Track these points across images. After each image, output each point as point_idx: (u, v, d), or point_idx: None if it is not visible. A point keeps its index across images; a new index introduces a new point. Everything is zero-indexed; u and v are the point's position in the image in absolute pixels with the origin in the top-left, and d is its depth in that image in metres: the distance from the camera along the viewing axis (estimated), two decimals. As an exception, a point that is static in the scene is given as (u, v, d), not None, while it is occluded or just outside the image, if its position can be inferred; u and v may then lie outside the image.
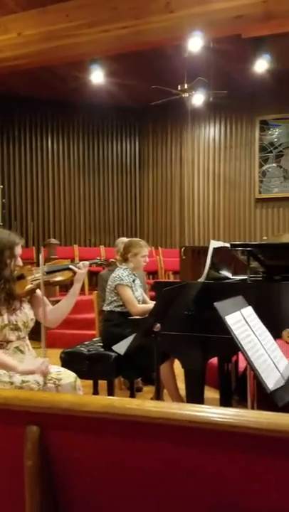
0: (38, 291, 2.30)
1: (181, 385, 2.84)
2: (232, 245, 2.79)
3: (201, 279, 2.73)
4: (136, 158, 8.84)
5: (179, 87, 6.51)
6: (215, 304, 1.73)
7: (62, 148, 8.39)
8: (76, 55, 4.93)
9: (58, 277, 2.34)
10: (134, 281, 3.37)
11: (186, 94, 6.59)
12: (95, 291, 4.02)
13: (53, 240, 6.78)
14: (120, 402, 0.99)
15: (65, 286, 2.48)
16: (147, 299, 3.52)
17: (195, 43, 4.69)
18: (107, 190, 8.65)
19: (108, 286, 3.37)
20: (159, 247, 8.04)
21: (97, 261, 2.68)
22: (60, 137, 8.36)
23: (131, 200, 8.81)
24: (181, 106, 7.25)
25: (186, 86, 6.48)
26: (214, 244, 2.72)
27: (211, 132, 8.42)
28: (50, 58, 4.92)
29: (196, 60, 6.01)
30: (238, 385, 3.31)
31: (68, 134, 8.41)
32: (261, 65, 6.16)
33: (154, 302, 3.10)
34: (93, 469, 1.05)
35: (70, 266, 2.36)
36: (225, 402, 3.14)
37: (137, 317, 3.23)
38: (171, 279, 7.08)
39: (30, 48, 4.74)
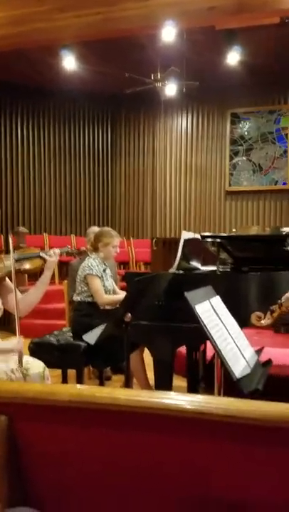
0: (7, 280, 2.25)
1: (151, 374, 2.86)
2: (202, 236, 2.82)
3: (172, 270, 2.75)
4: (108, 147, 8.75)
5: (152, 77, 6.48)
6: (185, 293, 1.75)
7: (33, 134, 8.21)
8: (47, 40, 4.80)
9: (28, 265, 2.31)
10: (104, 270, 3.36)
11: (159, 84, 6.57)
12: (65, 281, 3.99)
13: (22, 228, 6.66)
14: (89, 391, 0.99)
15: (35, 275, 2.44)
16: (117, 289, 3.52)
17: (169, 33, 4.66)
18: (78, 179, 8.53)
19: (78, 276, 3.35)
20: (131, 238, 8.03)
21: (67, 249, 2.65)
22: (30, 123, 8.17)
23: (102, 189, 8.74)
24: (154, 96, 7.21)
25: (159, 76, 6.46)
26: (186, 235, 2.75)
27: (184, 123, 8.43)
28: (20, 42, 4.77)
29: (170, 50, 5.98)
30: (205, 373, 3.37)
31: (39, 120, 8.23)
32: (233, 58, 6.19)
33: (124, 293, 3.10)
34: (63, 459, 1.05)
35: (41, 254, 2.33)
36: (192, 389, 3.20)
37: (108, 307, 3.23)
38: (142, 270, 7.11)
39: (0, 32, 4.58)
